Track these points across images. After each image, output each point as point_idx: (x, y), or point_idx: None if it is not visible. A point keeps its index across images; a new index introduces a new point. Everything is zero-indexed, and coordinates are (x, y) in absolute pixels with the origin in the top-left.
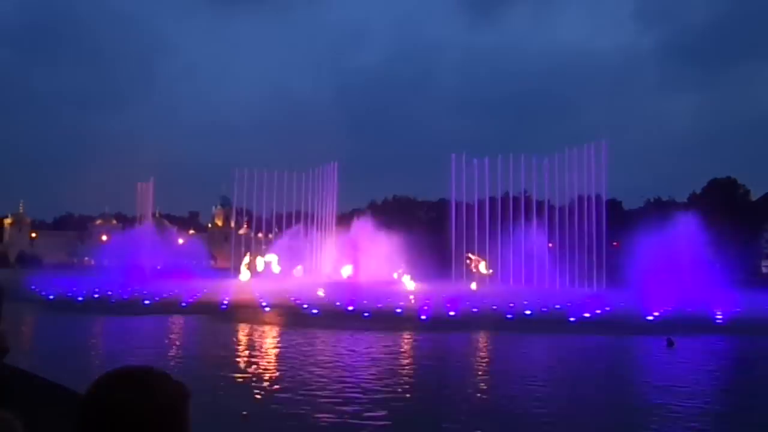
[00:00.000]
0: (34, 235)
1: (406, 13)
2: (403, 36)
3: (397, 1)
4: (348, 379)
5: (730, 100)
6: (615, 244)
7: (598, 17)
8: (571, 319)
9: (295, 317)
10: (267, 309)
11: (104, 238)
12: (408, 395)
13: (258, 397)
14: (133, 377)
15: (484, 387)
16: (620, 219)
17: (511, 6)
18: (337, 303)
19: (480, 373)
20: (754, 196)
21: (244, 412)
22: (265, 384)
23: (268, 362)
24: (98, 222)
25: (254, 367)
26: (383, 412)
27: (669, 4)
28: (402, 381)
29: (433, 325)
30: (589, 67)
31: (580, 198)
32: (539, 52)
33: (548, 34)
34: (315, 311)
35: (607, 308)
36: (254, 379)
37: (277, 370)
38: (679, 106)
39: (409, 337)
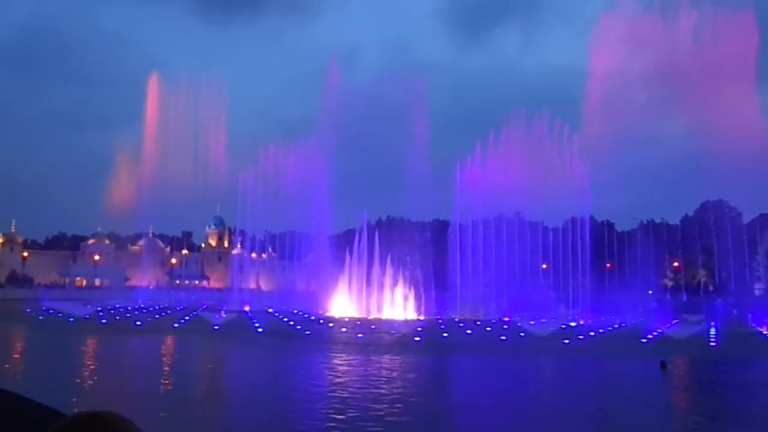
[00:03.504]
0: (25, 254)
1: (397, 34)
2: (394, 57)
3: (388, 23)
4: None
5: (721, 123)
6: (608, 265)
7: (586, 40)
8: (566, 341)
9: None
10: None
11: (97, 257)
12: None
13: None
14: (104, 422)
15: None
16: (613, 241)
17: (501, 28)
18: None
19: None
20: (746, 218)
21: None
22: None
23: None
24: (91, 241)
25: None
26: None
27: (659, 27)
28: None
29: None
30: (579, 88)
31: (573, 219)
32: (529, 74)
33: (538, 56)
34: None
35: (601, 330)
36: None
37: None
38: (670, 129)
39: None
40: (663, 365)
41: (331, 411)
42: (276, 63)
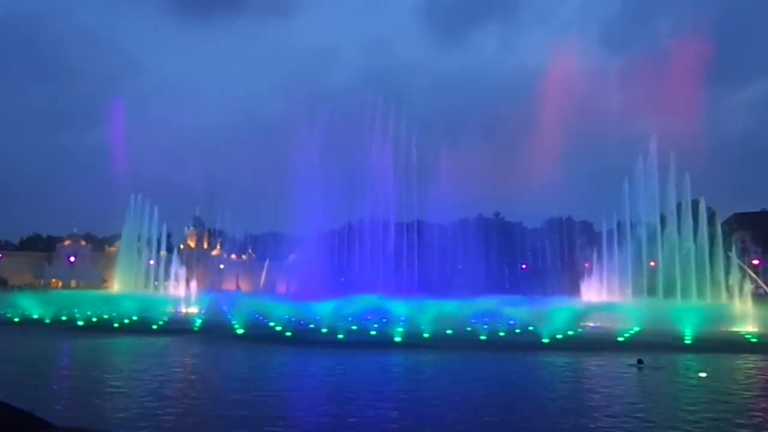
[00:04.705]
0: None
1: (375, 34)
2: (373, 57)
3: (367, 23)
4: None
5: (695, 125)
6: (587, 265)
7: (564, 41)
8: (545, 340)
9: None
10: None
11: (73, 259)
12: None
13: None
14: None
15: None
16: (592, 240)
17: (479, 29)
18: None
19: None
20: (720, 218)
21: None
22: None
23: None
24: (67, 242)
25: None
26: None
27: (633, 30)
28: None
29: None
30: (555, 89)
31: (552, 220)
32: (507, 75)
33: (517, 56)
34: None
35: (580, 329)
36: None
37: None
38: (645, 129)
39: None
40: (639, 362)
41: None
42: (255, 62)
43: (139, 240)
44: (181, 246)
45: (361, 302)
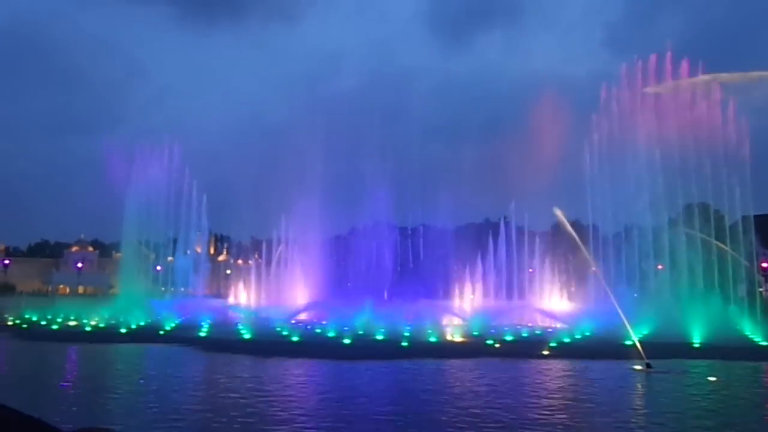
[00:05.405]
0: (7, 262)
1: (380, 39)
2: (378, 62)
3: (372, 28)
4: None
5: (704, 127)
6: (594, 269)
7: (569, 45)
8: (552, 344)
9: None
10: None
11: (80, 265)
12: None
13: None
14: None
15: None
16: (598, 245)
17: (483, 33)
18: None
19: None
20: (729, 221)
21: None
22: None
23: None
24: (74, 249)
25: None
26: None
27: (638, 32)
28: None
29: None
30: (561, 93)
31: (555, 224)
32: (512, 78)
33: (521, 60)
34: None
35: (587, 333)
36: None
37: None
38: (649, 131)
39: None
40: (648, 366)
41: None
42: (260, 67)
43: (146, 245)
44: (188, 252)
45: (363, 321)
